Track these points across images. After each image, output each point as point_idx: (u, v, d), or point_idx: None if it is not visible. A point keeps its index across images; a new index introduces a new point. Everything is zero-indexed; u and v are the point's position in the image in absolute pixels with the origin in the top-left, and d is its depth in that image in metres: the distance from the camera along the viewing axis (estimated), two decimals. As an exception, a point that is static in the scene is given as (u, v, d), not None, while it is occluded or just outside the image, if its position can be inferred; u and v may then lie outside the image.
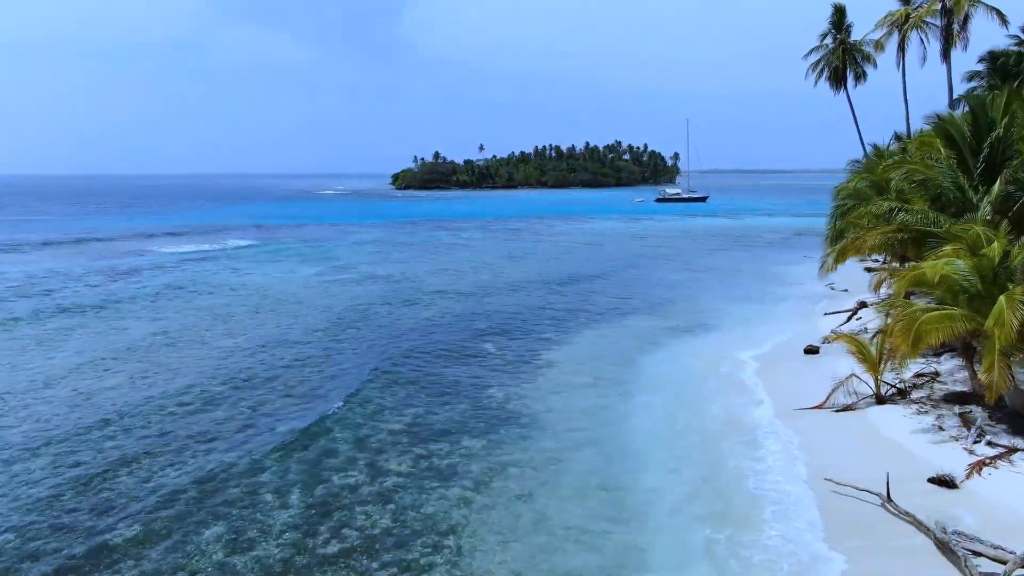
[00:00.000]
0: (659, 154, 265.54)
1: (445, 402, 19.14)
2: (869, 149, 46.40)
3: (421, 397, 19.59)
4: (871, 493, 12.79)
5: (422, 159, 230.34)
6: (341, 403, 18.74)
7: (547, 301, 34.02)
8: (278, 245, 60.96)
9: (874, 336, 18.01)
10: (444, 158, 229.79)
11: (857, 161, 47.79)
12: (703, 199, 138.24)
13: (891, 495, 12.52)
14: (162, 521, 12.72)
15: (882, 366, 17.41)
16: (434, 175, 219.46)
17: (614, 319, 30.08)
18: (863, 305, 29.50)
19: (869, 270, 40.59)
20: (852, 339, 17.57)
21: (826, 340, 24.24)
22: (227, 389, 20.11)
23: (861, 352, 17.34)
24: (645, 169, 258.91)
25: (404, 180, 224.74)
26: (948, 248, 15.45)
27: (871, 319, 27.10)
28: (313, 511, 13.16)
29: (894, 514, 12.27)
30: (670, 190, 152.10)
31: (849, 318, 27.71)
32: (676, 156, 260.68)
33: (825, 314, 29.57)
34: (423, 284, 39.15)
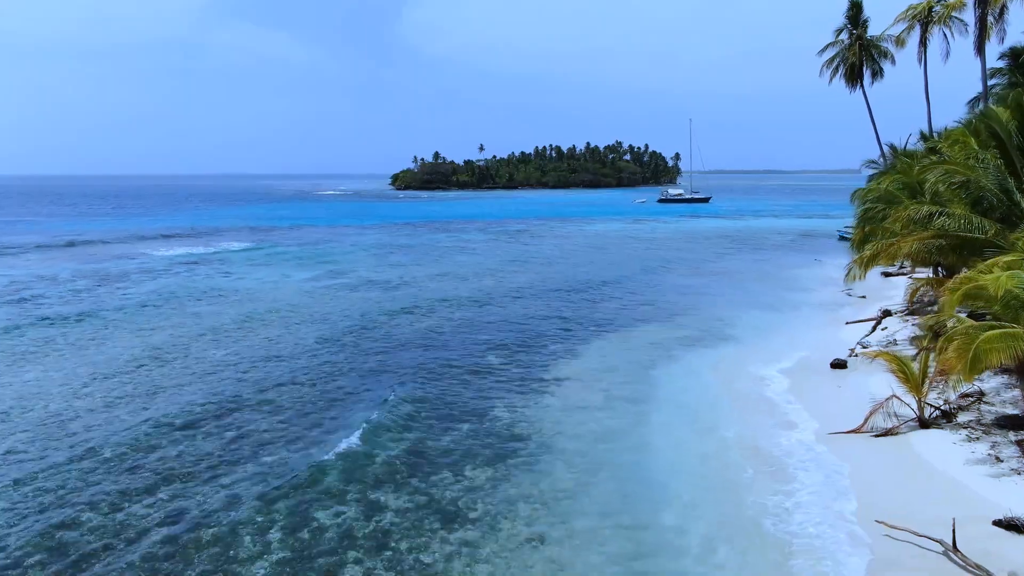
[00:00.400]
0: (660, 154, 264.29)
1: (447, 425, 17.57)
2: (886, 149, 44.93)
3: (420, 418, 18.03)
4: (933, 540, 11.23)
5: (422, 159, 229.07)
6: (332, 427, 17.22)
7: (553, 309, 32.45)
8: (273, 248, 59.41)
9: (918, 353, 16.45)
10: (444, 158, 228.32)
11: (873, 162, 46.36)
12: (706, 200, 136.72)
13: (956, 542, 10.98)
14: (125, 572, 11.17)
15: (925, 387, 15.86)
16: (434, 175, 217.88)
17: (623, 328, 28.53)
18: (887, 314, 27.99)
19: (887, 275, 39.12)
20: (893, 357, 16.01)
21: (853, 353, 22.73)
22: (210, 411, 18.49)
23: (903, 371, 15.78)
24: (646, 169, 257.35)
25: (404, 180, 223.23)
26: (1007, 258, 13.87)
27: (897, 329, 25.58)
28: (297, 559, 11.61)
29: (961, 566, 10.72)
30: (672, 191, 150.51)
31: (874, 328, 26.14)
32: (677, 156, 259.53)
33: (847, 323, 28.00)
34: (423, 290, 37.57)
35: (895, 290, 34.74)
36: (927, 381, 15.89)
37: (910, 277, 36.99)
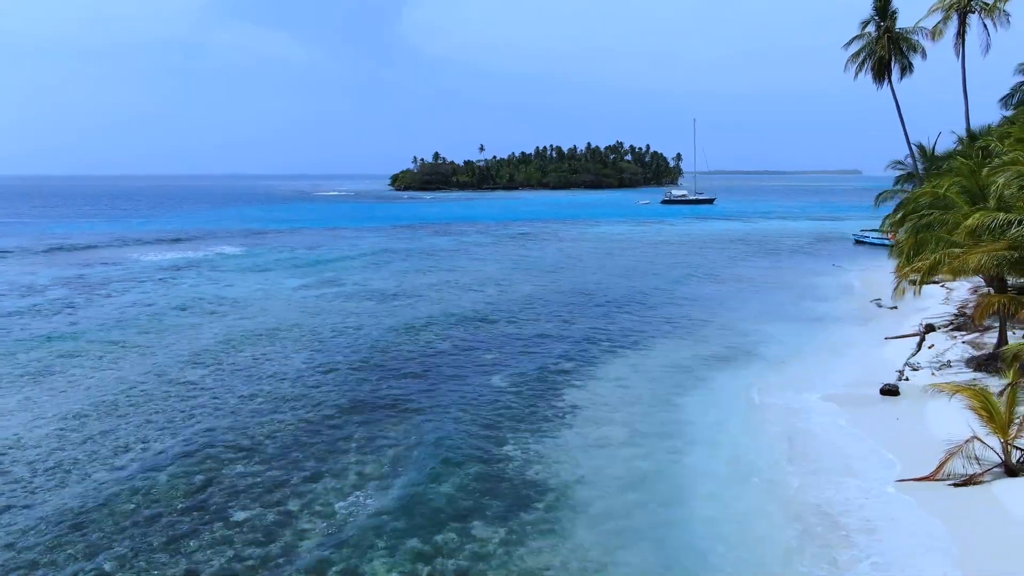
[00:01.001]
0: (661, 155, 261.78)
1: (450, 469, 15.11)
2: (914, 149, 42.55)
3: (419, 460, 15.58)
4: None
5: (422, 160, 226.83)
6: (315, 475, 14.80)
7: (563, 323, 30.00)
8: (266, 252, 56.97)
9: (1005, 389, 14.05)
10: (444, 158, 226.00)
11: (900, 162, 44.01)
12: (710, 201, 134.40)
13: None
14: None
15: (1013, 429, 13.45)
16: (434, 176, 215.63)
17: (641, 345, 26.12)
18: (930, 328, 25.58)
19: (914, 283, 36.72)
20: (975, 392, 13.61)
21: (902, 376, 20.36)
22: (176, 453, 16.01)
23: (986, 410, 13.38)
24: (648, 170, 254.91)
25: (403, 181, 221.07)
26: None
27: (946, 347, 23.21)
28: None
29: None
30: (676, 192, 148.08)
31: (919, 345, 23.75)
32: (679, 157, 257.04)
33: (886, 338, 25.60)
34: (422, 301, 35.13)
35: (929, 300, 32.28)
36: (1014, 421, 13.48)
37: (944, 286, 34.64)
